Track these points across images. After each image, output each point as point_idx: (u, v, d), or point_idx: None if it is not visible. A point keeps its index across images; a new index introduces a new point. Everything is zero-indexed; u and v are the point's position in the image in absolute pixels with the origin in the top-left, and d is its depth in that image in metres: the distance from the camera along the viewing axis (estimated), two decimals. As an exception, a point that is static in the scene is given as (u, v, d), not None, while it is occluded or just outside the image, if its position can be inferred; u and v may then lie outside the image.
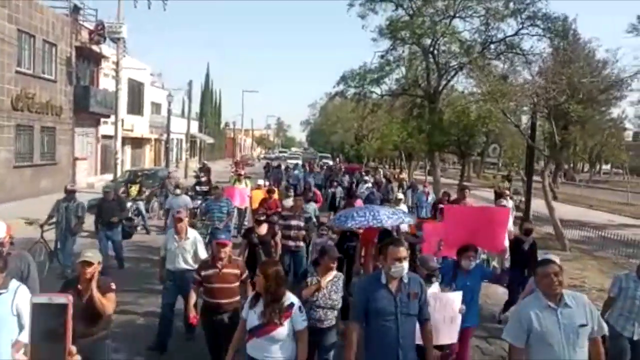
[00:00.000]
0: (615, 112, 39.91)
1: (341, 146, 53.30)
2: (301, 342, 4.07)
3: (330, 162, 42.27)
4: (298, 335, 4.05)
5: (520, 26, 20.34)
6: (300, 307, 4.08)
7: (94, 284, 4.32)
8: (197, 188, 15.20)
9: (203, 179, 16.57)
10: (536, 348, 3.52)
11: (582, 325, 3.49)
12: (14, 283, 4.10)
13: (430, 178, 23.45)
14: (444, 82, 21.65)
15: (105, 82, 26.24)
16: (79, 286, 4.38)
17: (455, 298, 5.02)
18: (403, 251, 3.75)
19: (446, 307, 4.91)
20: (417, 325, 3.98)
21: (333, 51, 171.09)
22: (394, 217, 8.00)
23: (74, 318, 3.11)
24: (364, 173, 23.40)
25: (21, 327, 3.94)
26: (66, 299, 1.26)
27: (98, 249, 7.36)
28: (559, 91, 18.66)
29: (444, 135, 19.47)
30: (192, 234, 6.86)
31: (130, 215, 12.45)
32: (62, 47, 21.31)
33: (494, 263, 9.46)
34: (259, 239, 7.52)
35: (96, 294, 4.34)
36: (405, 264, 3.73)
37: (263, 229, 7.73)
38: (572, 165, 56.32)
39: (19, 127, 18.55)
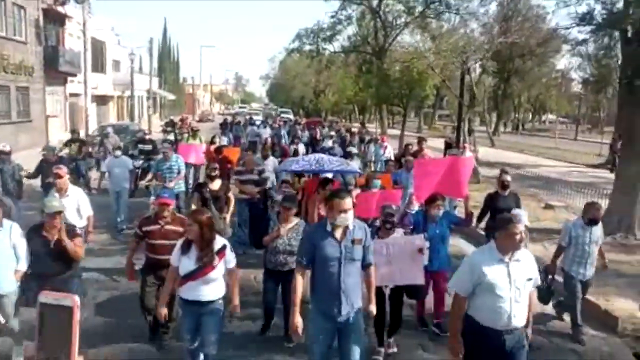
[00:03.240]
0: (562, 63, 42.12)
1: (301, 101, 55.00)
2: (233, 279, 4.45)
3: (291, 117, 43.92)
4: (230, 273, 4.40)
5: (457, -13, 22.63)
6: (230, 248, 4.40)
7: (62, 232, 4.66)
8: (140, 147, 14.41)
9: (147, 137, 15.91)
10: (484, 298, 3.68)
11: (529, 279, 3.73)
12: (6, 222, 4.77)
13: (391, 131, 25.77)
14: (390, 40, 23.88)
15: (70, 42, 27.27)
16: (44, 233, 4.69)
17: (414, 239, 5.32)
18: (348, 203, 3.88)
19: (405, 248, 5.16)
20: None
21: (291, 3, 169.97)
22: (336, 163, 8.22)
23: (44, 261, 4.49)
24: (326, 127, 23.34)
25: (18, 258, 4.69)
26: (72, 301, 1.27)
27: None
28: (502, 46, 21.05)
29: (388, 90, 21.85)
30: (74, 190, 6.87)
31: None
32: (30, 10, 22.40)
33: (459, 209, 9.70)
34: (212, 194, 7.51)
35: (66, 241, 4.67)
36: (350, 214, 3.89)
37: (216, 184, 7.85)
38: (516, 115, 60.14)
39: (-3, 87, 19.93)
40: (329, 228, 3.96)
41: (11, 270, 4.63)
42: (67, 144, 13.80)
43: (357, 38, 25.84)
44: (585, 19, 19.62)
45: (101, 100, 33.57)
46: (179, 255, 4.31)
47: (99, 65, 32.63)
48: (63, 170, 6.87)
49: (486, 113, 37.50)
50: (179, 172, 9.92)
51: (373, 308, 4.23)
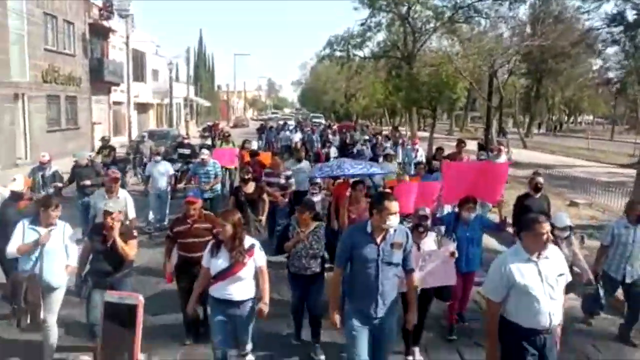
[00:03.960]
0: (598, 63, 40.71)
1: (332, 105, 55.81)
2: (262, 275, 4.44)
3: (323, 121, 44.60)
4: (260, 270, 4.42)
5: (484, -8, 23.06)
6: (259, 247, 4.46)
7: (115, 232, 4.87)
8: (179, 151, 14.86)
9: (185, 142, 16.30)
10: (520, 300, 3.63)
11: (561, 275, 3.69)
12: (60, 222, 4.98)
13: (421, 134, 26.27)
14: (419, 45, 24.43)
15: (113, 53, 28.82)
16: (104, 232, 4.94)
17: (446, 248, 5.30)
18: (396, 206, 3.88)
19: (438, 254, 5.22)
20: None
21: (323, 10, 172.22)
22: (358, 167, 8.18)
23: (101, 259, 4.87)
24: (357, 131, 23.28)
25: (68, 255, 4.91)
26: (137, 299, 1.29)
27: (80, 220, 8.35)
28: (533, 47, 21.26)
29: (417, 93, 22.38)
30: (123, 194, 7.06)
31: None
32: (78, 24, 23.92)
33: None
34: (246, 197, 7.67)
35: (118, 241, 4.87)
36: (396, 218, 3.88)
37: (250, 187, 7.93)
38: (551, 116, 59.37)
39: (49, 97, 21.42)
40: (369, 229, 3.95)
41: (62, 265, 4.88)
42: (100, 151, 14.02)
43: (387, 44, 26.52)
44: (615, 19, 19.80)
45: (142, 107, 35.14)
46: (209, 256, 4.39)
47: (139, 75, 34.20)
48: (117, 173, 7.36)
49: (518, 114, 37.44)
50: (215, 177, 10.10)
51: (413, 317, 4.21)
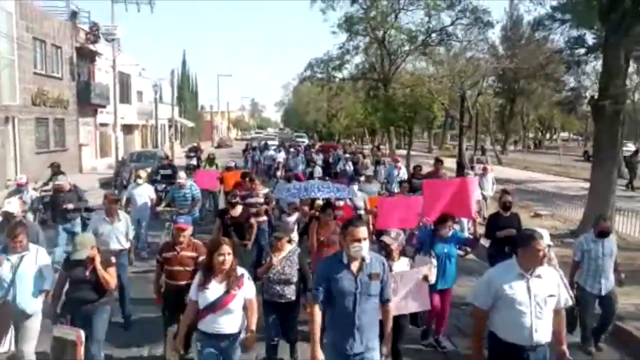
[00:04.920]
0: (572, 82, 42.21)
1: (315, 125, 56.89)
2: (251, 307, 4.26)
3: (306, 141, 45.39)
4: (249, 303, 4.23)
5: (455, 18, 24.44)
6: (248, 277, 4.27)
7: (96, 264, 4.79)
8: (161, 172, 14.78)
9: (167, 162, 16.37)
10: (505, 313, 3.65)
11: (551, 296, 3.65)
12: (33, 246, 4.96)
13: (401, 151, 27.30)
14: (394, 67, 25.63)
15: (99, 76, 29.52)
16: (84, 262, 4.81)
17: (420, 270, 5.24)
18: (362, 231, 3.70)
19: (412, 277, 5.11)
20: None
21: (304, 32, 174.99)
22: (326, 190, 7.99)
23: (80, 289, 4.78)
24: (339, 150, 23.29)
25: (43, 280, 4.85)
26: (75, 334, 1.36)
27: (55, 244, 8.11)
28: (507, 69, 22.48)
29: (394, 113, 23.48)
30: (123, 215, 7.10)
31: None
32: (66, 48, 24.67)
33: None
34: (232, 221, 7.49)
35: (100, 271, 4.80)
36: (365, 244, 3.69)
37: (237, 210, 7.74)
38: (526, 134, 61.20)
39: (38, 119, 22.04)
40: (345, 260, 3.77)
41: (36, 291, 4.79)
42: (51, 178, 12.91)
43: (365, 66, 27.77)
44: (577, 42, 21.19)
45: (127, 129, 35.72)
46: (197, 289, 4.16)
47: (124, 97, 34.83)
48: (116, 195, 7.33)
49: (492, 133, 38.89)
50: (193, 200, 10.03)
51: (388, 349, 4.09)
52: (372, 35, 25.08)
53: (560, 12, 12.82)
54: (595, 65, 27.25)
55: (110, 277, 4.91)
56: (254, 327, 4.29)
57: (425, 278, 5.17)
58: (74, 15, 25.65)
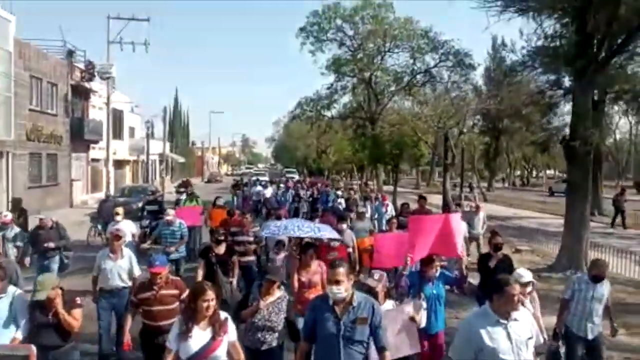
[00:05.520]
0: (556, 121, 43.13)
1: (305, 161, 57.66)
2: (236, 350, 4.07)
3: (297, 177, 45.61)
4: (232, 345, 4.03)
5: (438, 60, 25.54)
6: (230, 320, 4.10)
7: (58, 306, 4.52)
8: (147, 207, 14.49)
9: (151, 198, 16.21)
10: None
11: (530, 338, 3.60)
12: (11, 288, 4.73)
13: (389, 188, 27.78)
14: (381, 107, 26.53)
15: (93, 112, 30.12)
16: (44, 303, 4.54)
17: (404, 308, 5.06)
18: (339, 273, 3.62)
19: (397, 319, 4.91)
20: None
21: (296, 69, 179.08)
22: (305, 229, 7.61)
23: (43, 333, 4.41)
24: (330, 188, 22.99)
25: (17, 326, 4.54)
26: (28, 350, 1.15)
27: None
28: (491, 107, 23.41)
29: (380, 151, 24.20)
30: (127, 252, 6.95)
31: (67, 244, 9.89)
32: (61, 85, 25.34)
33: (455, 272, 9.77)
34: (217, 259, 7.33)
35: (62, 314, 4.54)
36: (343, 287, 3.62)
37: (221, 248, 7.55)
38: (512, 172, 62.47)
39: (31, 155, 22.48)
40: (330, 302, 3.69)
41: (8, 338, 4.51)
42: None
43: (352, 105, 28.68)
44: (555, 84, 22.14)
45: (119, 164, 36.12)
46: (178, 337, 3.89)
47: (117, 133, 35.38)
48: (121, 231, 7.25)
49: (477, 170, 39.79)
50: (181, 238, 9.67)
51: None
52: (360, 76, 26.09)
53: (530, 59, 13.63)
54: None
55: (73, 319, 4.63)
56: None
57: (413, 319, 4.96)
58: (70, 54, 26.43)
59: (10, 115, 20.41)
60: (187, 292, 4.95)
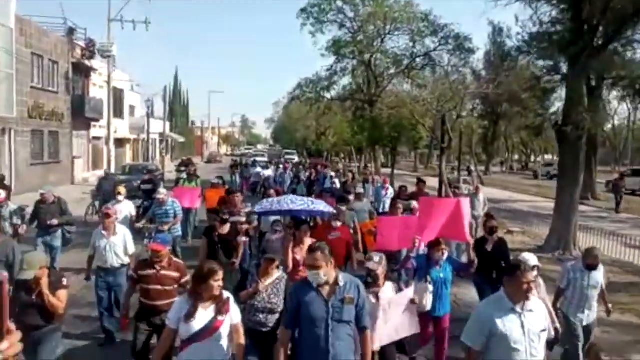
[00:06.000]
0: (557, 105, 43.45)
1: (304, 142, 57.81)
2: (238, 333, 4.00)
3: (296, 158, 45.85)
4: (236, 328, 3.97)
5: (438, 44, 25.62)
6: (234, 301, 4.04)
7: (43, 287, 4.40)
8: (142, 187, 14.44)
9: (146, 177, 15.90)
10: (498, 351, 3.47)
11: (543, 330, 3.54)
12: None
13: (387, 170, 28.13)
14: (380, 89, 26.67)
15: (94, 91, 30.26)
16: (28, 284, 4.43)
17: (406, 294, 5.06)
18: (316, 258, 3.61)
19: (400, 302, 4.92)
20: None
21: (296, 50, 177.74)
22: (299, 202, 7.46)
23: (26, 313, 4.18)
24: (326, 170, 21.59)
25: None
26: (0, 276, 1.16)
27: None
28: (493, 92, 23.63)
29: (379, 133, 24.45)
30: (121, 229, 6.92)
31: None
32: (62, 63, 25.45)
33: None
34: (220, 239, 7.21)
35: (46, 295, 4.41)
36: (322, 271, 3.61)
37: (225, 228, 7.42)
38: (510, 156, 62.77)
39: (33, 132, 22.72)
40: (314, 284, 3.65)
41: None
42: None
43: (352, 87, 28.76)
44: (553, 69, 22.31)
45: (119, 142, 36.33)
46: (181, 319, 3.81)
47: (117, 111, 35.53)
48: (112, 210, 7.11)
49: (473, 154, 40.10)
50: (175, 217, 9.61)
51: None
52: (359, 59, 26.15)
53: (526, 45, 13.82)
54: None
55: (57, 301, 4.52)
56: (242, 357, 4.04)
57: (413, 301, 5.02)
58: (71, 32, 26.49)
59: (12, 93, 20.61)
60: (187, 277, 5.05)
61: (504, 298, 3.55)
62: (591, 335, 6.07)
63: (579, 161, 12.53)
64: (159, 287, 5.04)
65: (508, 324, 3.46)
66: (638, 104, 43.86)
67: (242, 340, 4.03)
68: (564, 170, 12.72)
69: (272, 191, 11.66)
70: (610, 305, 6.23)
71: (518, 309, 3.49)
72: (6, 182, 17.94)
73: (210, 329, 3.79)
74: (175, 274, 5.12)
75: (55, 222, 8.68)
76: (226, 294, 3.97)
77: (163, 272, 5.08)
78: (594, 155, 27.52)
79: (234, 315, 3.96)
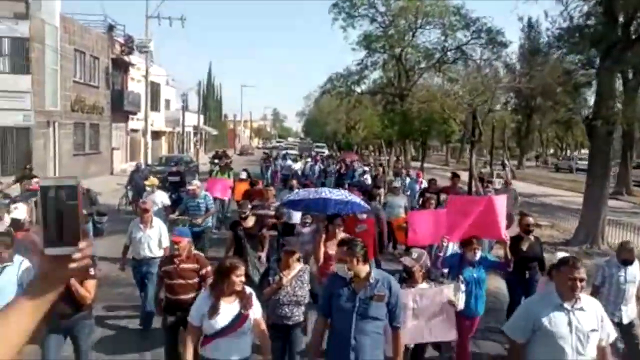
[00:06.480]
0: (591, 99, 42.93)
1: (334, 136, 58.06)
2: (261, 329, 4.01)
3: (326, 151, 46.11)
4: (257, 323, 3.95)
5: (470, 38, 25.48)
6: (255, 296, 4.03)
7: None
8: (170, 179, 14.54)
9: (175, 169, 16.04)
10: (543, 347, 3.41)
11: (593, 330, 3.39)
12: (18, 257, 4.58)
13: (416, 164, 28.21)
14: (411, 83, 26.74)
15: (132, 85, 31.32)
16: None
17: (443, 289, 4.85)
18: (343, 252, 3.66)
19: (434, 299, 4.71)
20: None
21: (328, 44, 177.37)
22: (336, 193, 7.30)
23: (55, 302, 5.22)
24: (356, 164, 21.95)
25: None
26: (74, 180, 1.16)
27: None
28: (525, 86, 23.47)
29: (409, 127, 24.56)
30: (157, 222, 7.05)
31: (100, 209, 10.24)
32: (102, 59, 26.52)
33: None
34: (246, 232, 7.18)
35: (75, 283, 4.45)
36: (347, 265, 3.64)
37: (250, 221, 7.42)
38: (544, 150, 61.63)
39: (76, 124, 23.83)
40: (347, 277, 3.69)
41: None
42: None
43: (382, 81, 28.90)
44: (587, 63, 22.05)
45: (155, 135, 37.48)
46: (204, 315, 3.80)
47: (154, 105, 36.65)
48: (149, 203, 7.27)
49: (506, 149, 39.68)
50: (207, 210, 9.44)
51: None
52: (390, 53, 26.25)
53: (556, 40, 13.78)
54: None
55: (85, 291, 4.57)
56: (268, 353, 4.04)
57: (452, 303, 4.78)
58: (110, 28, 27.52)
59: (57, 87, 21.66)
60: (208, 267, 5.16)
61: (553, 294, 3.51)
62: (637, 334, 5.81)
63: (608, 156, 12.51)
64: (181, 281, 5.10)
65: (554, 320, 3.39)
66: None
67: (267, 334, 4.05)
68: (594, 165, 12.70)
69: (294, 182, 11.62)
70: None
71: (567, 306, 3.40)
72: (49, 173, 18.73)
73: (236, 324, 3.79)
74: (195, 266, 5.17)
75: (84, 212, 8.38)
76: (248, 290, 4.00)
77: (182, 265, 5.14)
78: (630, 150, 26.94)
79: (256, 310, 3.97)
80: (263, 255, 7.26)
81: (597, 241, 12.45)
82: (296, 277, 4.72)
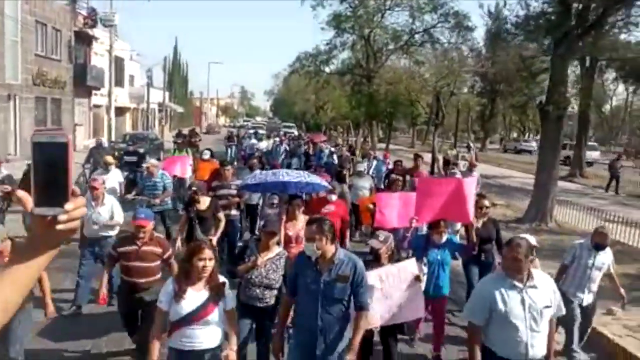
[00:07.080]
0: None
1: (303, 116, 58.07)
2: (232, 319, 3.87)
3: (295, 132, 45.84)
4: (229, 315, 3.82)
5: (437, 21, 25.92)
6: (228, 285, 3.88)
7: (5, 260, 4.02)
8: (126, 158, 14.21)
9: (132, 149, 15.55)
10: (498, 327, 3.48)
11: (547, 307, 3.48)
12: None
13: (382, 145, 28.65)
14: (378, 65, 27.09)
15: (95, 59, 30.63)
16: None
17: (406, 265, 4.83)
18: (311, 230, 3.61)
19: (400, 276, 4.69)
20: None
21: (296, 22, 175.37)
22: (294, 175, 7.24)
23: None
24: (324, 145, 21.26)
25: None
26: (65, 137, 1.10)
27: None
28: (489, 70, 24.05)
29: (375, 108, 25.00)
30: (109, 199, 6.83)
31: None
32: (65, 32, 25.85)
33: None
34: (197, 214, 7.02)
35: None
36: (315, 245, 3.59)
37: (203, 203, 7.18)
38: (507, 133, 63.33)
39: (37, 99, 23.29)
40: (313, 258, 3.67)
41: None
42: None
43: (351, 62, 29.17)
44: (544, 51, 22.86)
45: (119, 111, 36.79)
46: (170, 298, 3.66)
47: (117, 80, 35.91)
48: (98, 181, 6.99)
49: (469, 131, 40.75)
50: (164, 190, 9.17)
51: (352, 357, 3.69)
52: (359, 33, 26.49)
53: (514, 27, 14.35)
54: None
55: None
56: (234, 345, 3.81)
57: (418, 278, 4.77)
58: (74, 0, 26.75)
59: (17, 60, 21.10)
60: (170, 251, 5.06)
61: (504, 274, 3.58)
62: (591, 318, 5.95)
63: (559, 139, 13.23)
64: (140, 263, 4.90)
65: (508, 300, 3.47)
66: (631, 85, 44.27)
67: (236, 327, 3.93)
68: (544, 147, 13.42)
69: (254, 161, 11.45)
70: (623, 292, 5.88)
71: (519, 284, 3.48)
72: (10, 148, 18.42)
73: (201, 312, 3.63)
74: (158, 249, 4.98)
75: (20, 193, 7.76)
76: (221, 278, 3.85)
77: (144, 247, 4.92)
78: (585, 134, 28.12)
79: (228, 300, 3.83)
80: (214, 239, 6.98)
81: (546, 219, 13.23)
82: (272, 259, 4.65)
